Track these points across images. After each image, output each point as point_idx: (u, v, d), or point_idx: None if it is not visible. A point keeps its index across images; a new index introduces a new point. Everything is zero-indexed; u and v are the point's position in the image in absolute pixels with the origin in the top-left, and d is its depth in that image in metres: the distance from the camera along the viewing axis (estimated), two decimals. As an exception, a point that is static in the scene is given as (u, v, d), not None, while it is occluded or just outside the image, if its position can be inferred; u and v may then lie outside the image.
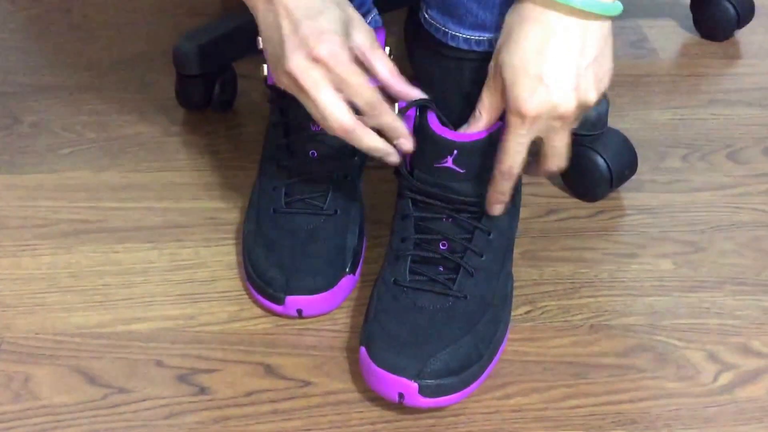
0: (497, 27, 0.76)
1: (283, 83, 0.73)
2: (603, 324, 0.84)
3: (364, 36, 0.73)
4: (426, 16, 0.80)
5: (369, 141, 0.74)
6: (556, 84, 0.70)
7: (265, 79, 0.90)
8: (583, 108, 0.72)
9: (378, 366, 0.73)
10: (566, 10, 0.69)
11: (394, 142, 0.76)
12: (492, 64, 0.74)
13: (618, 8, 0.71)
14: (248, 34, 0.97)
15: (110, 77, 1.14)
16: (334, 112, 0.71)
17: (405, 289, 0.78)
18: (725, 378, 0.79)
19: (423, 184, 0.78)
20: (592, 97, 0.71)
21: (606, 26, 0.71)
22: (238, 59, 1.07)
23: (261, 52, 0.90)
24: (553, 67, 0.70)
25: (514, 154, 0.73)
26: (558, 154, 0.75)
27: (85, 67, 1.15)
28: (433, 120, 0.77)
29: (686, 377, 0.79)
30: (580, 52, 0.70)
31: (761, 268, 0.90)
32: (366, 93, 0.72)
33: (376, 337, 0.75)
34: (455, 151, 0.76)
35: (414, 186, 0.79)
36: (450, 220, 0.79)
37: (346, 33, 0.72)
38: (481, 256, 0.78)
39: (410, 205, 0.80)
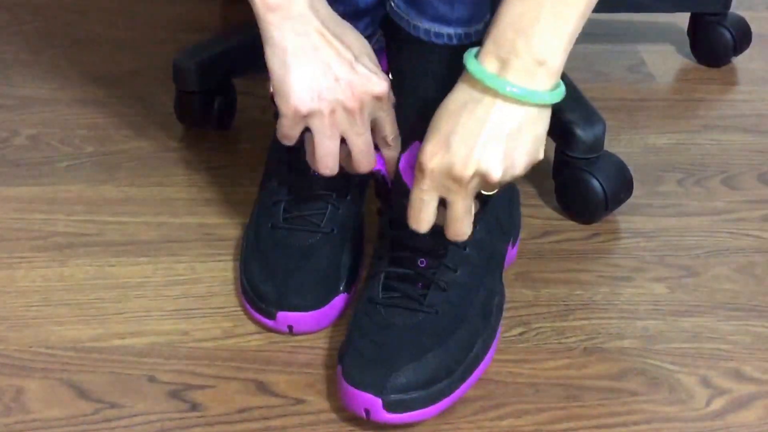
0: (457, 22, 0.77)
1: (284, 112, 0.77)
2: (596, 347, 0.84)
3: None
4: (392, 4, 0.81)
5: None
6: (457, 146, 0.69)
7: (272, 96, 0.90)
8: (483, 178, 0.70)
9: (346, 382, 0.74)
10: (494, 94, 0.68)
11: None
12: None
13: (555, 97, 0.69)
14: (248, 51, 0.97)
15: (109, 91, 1.14)
16: (326, 160, 0.77)
17: (377, 306, 0.78)
18: (718, 403, 0.79)
19: (398, 206, 0.79)
20: (494, 172, 0.69)
21: (534, 111, 0.69)
22: (238, 76, 1.08)
23: (265, 67, 0.90)
24: (462, 129, 0.69)
25: (417, 209, 0.73)
26: (456, 220, 0.72)
27: (85, 81, 1.16)
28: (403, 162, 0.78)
29: (679, 401, 0.79)
30: (494, 126, 0.68)
31: (755, 294, 0.90)
32: (361, 146, 0.77)
33: (347, 354, 0.76)
34: None
35: (391, 205, 0.79)
36: (425, 236, 0.79)
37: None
38: (455, 271, 0.78)
39: (387, 223, 0.80)
